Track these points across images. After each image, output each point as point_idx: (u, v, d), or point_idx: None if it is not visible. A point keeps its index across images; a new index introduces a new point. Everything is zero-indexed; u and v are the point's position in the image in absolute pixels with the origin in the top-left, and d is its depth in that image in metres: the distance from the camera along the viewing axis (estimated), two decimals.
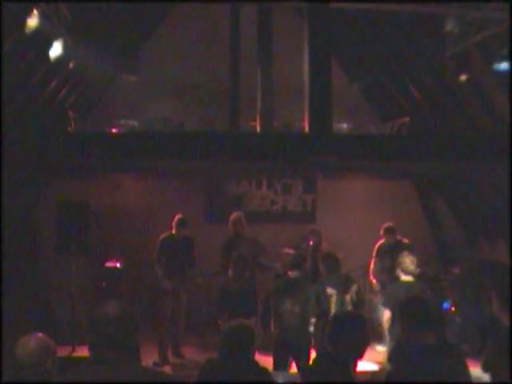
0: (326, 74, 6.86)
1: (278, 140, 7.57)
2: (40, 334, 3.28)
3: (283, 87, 9.25)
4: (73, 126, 9.07)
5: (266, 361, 5.58)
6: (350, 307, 6.40)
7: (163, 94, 10.02)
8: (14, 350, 3.17)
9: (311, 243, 9.16)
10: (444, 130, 9.64)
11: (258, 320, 6.55)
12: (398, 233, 8.69)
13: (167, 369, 7.59)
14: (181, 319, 8.14)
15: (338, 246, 8.03)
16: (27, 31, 6.16)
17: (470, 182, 10.21)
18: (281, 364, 6.04)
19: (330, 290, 6.42)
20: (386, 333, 6.59)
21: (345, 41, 10.49)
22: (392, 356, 4.65)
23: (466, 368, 3.91)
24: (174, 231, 8.09)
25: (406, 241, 8.61)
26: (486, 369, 4.09)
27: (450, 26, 7.25)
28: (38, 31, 6.27)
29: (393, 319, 6.05)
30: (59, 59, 7.09)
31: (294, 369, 6.12)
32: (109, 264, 9.37)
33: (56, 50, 6.89)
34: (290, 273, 6.45)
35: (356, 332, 3.71)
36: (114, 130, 9.12)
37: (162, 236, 8.13)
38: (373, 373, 4.52)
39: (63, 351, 6.89)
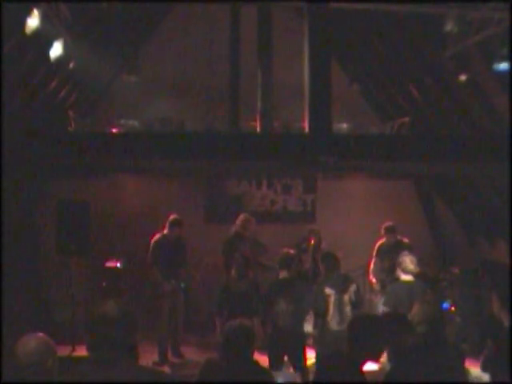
0: (326, 74, 6.86)
1: (278, 140, 7.57)
2: (40, 334, 3.28)
3: (283, 87, 9.25)
4: (73, 125, 9.07)
5: (263, 360, 5.60)
6: (348, 307, 6.40)
7: (163, 94, 10.02)
8: (15, 349, 3.17)
9: (311, 243, 9.16)
10: (444, 130, 9.64)
11: (259, 320, 6.54)
12: (398, 233, 8.69)
13: (167, 368, 7.60)
14: (179, 319, 8.14)
15: (337, 246, 8.03)
16: (27, 31, 6.16)
17: (469, 182, 10.22)
18: (276, 363, 6.04)
19: (328, 290, 6.42)
20: None
21: (345, 41, 10.49)
22: (391, 356, 4.65)
23: (464, 367, 3.92)
24: (166, 231, 8.02)
25: (405, 241, 8.62)
26: (485, 368, 4.10)
27: (449, 25, 7.25)
28: (38, 31, 6.27)
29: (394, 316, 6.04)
30: (59, 59, 7.08)
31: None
32: (109, 264, 9.37)
33: (56, 50, 6.88)
34: (280, 273, 6.42)
35: (374, 335, 3.72)
36: (114, 130, 9.12)
37: (156, 238, 8.05)
38: (373, 373, 4.51)
39: (63, 351, 6.89)
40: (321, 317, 6.47)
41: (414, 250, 8.26)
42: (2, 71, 6.37)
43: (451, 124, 9.39)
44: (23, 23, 6.11)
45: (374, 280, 8.78)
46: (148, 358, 7.69)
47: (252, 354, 4.00)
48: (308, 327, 7.52)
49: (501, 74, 7.23)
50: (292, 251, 9.05)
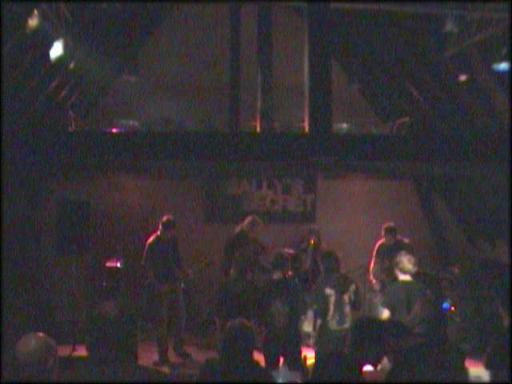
0: (326, 74, 6.86)
1: (278, 140, 7.56)
2: (41, 334, 3.29)
3: (283, 87, 9.26)
4: (73, 125, 9.08)
5: (259, 360, 5.61)
6: (348, 307, 6.40)
7: (163, 94, 10.02)
8: (15, 349, 3.17)
9: (311, 243, 9.17)
10: (444, 130, 9.65)
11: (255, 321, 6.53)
12: (398, 233, 8.70)
13: (166, 368, 7.60)
14: (181, 319, 8.13)
15: (337, 246, 8.03)
16: (28, 31, 6.16)
17: (469, 182, 10.22)
18: (272, 364, 6.04)
19: (328, 290, 6.42)
20: None
21: (345, 41, 10.50)
22: (392, 356, 4.65)
23: (465, 367, 3.92)
24: (159, 233, 7.97)
25: (406, 241, 8.62)
26: (489, 366, 4.09)
27: (449, 26, 7.26)
28: (38, 31, 6.28)
29: (392, 319, 6.05)
30: (59, 59, 7.09)
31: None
32: (109, 264, 9.37)
33: (56, 50, 6.89)
34: (274, 274, 6.39)
35: (377, 341, 3.72)
36: (114, 130, 9.13)
37: (150, 241, 7.98)
38: (373, 373, 4.52)
39: (64, 351, 6.88)
40: (320, 317, 6.46)
41: (414, 250, 8.28)
42: (2, 71, 6.38)
43: (451, 124, 9.39)
44: (23, 23, 6.11)
45: (373, 280, 8.78)
46: (148, 358, 7.69)
47: (252, 354, 4.00)
48: (307, 327, 7.53)
49: (501, 74, 7.23)
50: (291, 251, 9.09)
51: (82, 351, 7.16)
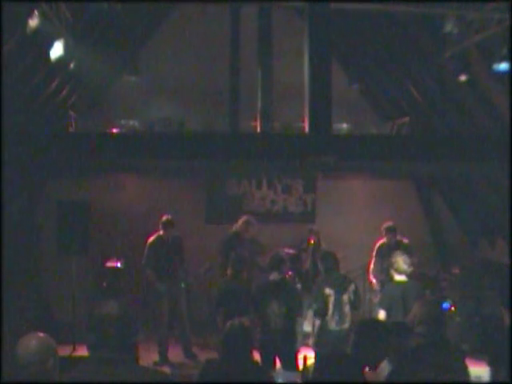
0: (326, 74, 6.86)
1: (278, 140, 7.57)
2: (41, 334, 3.29)
3: (283, 87, 9.26)
4: (73, 126, 9.08)
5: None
6: (347, 307, 6.40)
7: (163, 94, 10.03)
8: (16, 349, 3.17)
9: (311, 243, 9.18)
10: (444, 130, 9.65)
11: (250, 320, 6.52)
12: (398, 233, 8.70)
13: (167, 368, 7.60)
14: (184, 320, 8.14)
15: (337, 246, 8.03)
16: (28, 32, 6.16)
17: (469, 182, 10.22)
18: (267, 364, 6.04)
19: (328, 290, 6.42)
20: None
21: (345, 41, 10.50)
22: (393, 356, 4.65)
23: (465, 366, 3.92)
24: (161, 232, 8.01)
25: (405, 241, 8.62)
26: (491, 363, 4.10)
27: (449, 26, 7.26)
28: (38, 32, 6.28)
29: (388, 319, 6.05)
30: (60, 59, 7.09)
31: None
32: (109, 264, 9.38)
33: (57, 50, 6.89)
34: (270, 275, 6.38)
35: (379, 342, 3.72)
36: (114, 130, 9.14)
37: (151, 240, 8.01)
38: (372, 373, 4.53)
39: (64, 351, 6.89)
40: (320, 317, 6.46)
41: (414, 250, 8.29)
42: (2, 71, 6.38)
43: (451, 124, 9.40)
44: (24, 23, 6.11)
45: (373, 280, 8.78)
46: (148, 357, 7.70)
47: (251, 353, 4.00)
48: (307, 327, 7.53)
49: (501, 74, 7.23)
50: (292, 251, 9.10)
51: (82, 351, 7.17)
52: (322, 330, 6.45)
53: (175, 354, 8.16)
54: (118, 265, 9.33)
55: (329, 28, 6.92)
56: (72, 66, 7.92)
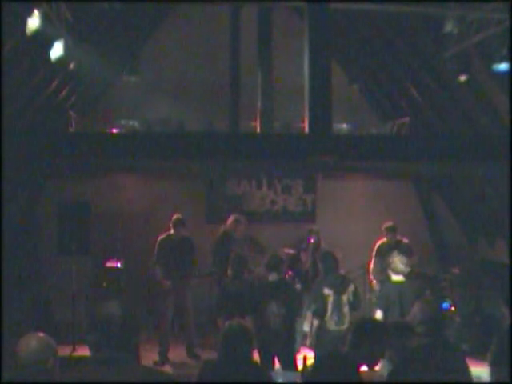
0: (326, 74, 6.87)
1: (278, 140, 7.57)
2: (41, 334, 3.29)
3: (283, 87, 9.26)
4: (73, 126, 9.08)
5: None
6: (346, 308, 6.40)
7: (163, 94, 10.03)
8: (16, 349, 3.18)
9: (311, 242, 9.18)
10: (444, 130, 9.65)
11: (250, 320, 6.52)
12: (398, 233, 8.70)
13: (167, 368, 7.61)
14: (190, 320, 8.15)
15: (337, 246, 8.03)
16: (28, 32, 6.16)
17: (469, 182, 10.22)
18: (266, 364, 6.05)
19: (327, 291, 6.42)
20: None
21: (345, 41, 10.50)
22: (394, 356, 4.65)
23: (467, 366, 3.92)
24: (172, 231, 8.10)
25: (405, 241, 8.63)
26: (492, 363, 4.10)
27: (449, 26, 7.25)
28: (38, 32, 6.27)
29: (384, 319, 6.05)
30: (60, 60, 7.09)
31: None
32: (109, 264, 9.38)
33: (57, 50, 6.89)
34: (269, 276, 6.38)
35: (375, 342, 3.72)
36: (114, 130, 9.13)
37: (160, 237, 8.15)
38: (372, 373, 4.52)
39: (64, 351, 6.89)
40: (319, 317, 6.46)
41: (413, 250, 8.29)
42: (2, 71, 6.38)
43: (451, 124, 9.40)
44: (24, 23, 6.11)
45: (373, 280, 8.78)
46: (149, 357, 7.69)
47: (250, 354, 3.99)
48: (306, 327, 7.53)
49: (501, 74, 7.23)
50: (291, 251, 9.10)
51: (82, 351, 7.17)
52: (321, 331, 6.45)
53: (176, 354, 8.16)
54: (118, 265, 9.34)
55: (329, 28, 6.92)
56: (72, 66, 7.92)
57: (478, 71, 7.87)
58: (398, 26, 8.85)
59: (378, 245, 8.79)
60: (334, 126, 7.61)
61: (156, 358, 7.86)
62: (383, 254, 8.52)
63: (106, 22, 8.65)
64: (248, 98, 8.67)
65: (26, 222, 9.85)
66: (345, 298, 6.42)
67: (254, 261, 8.19)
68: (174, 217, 8.12)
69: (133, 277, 9.40)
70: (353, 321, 6.16)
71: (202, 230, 9.65)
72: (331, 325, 6.39)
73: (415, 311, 4.28)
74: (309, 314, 6.90)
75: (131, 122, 9.47)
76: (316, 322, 6.49)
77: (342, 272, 6.88)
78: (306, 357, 5.68)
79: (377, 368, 4.60)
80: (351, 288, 6.49)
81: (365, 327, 3.86)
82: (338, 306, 6.37)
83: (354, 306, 6.45)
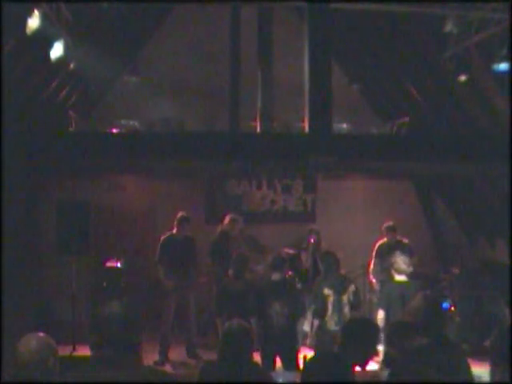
0: (326, 74, 6.87)
1: (278, 140, 7.57)
2: (41, 334, 3.29)
3: (283, 87, 9.26)
4: (73, 126, 9.08)
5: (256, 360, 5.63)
6: (347, 308, 6.40)
7: (163, 94, 10.02)
8: (16, 349, 3.18)
9: (311, 242, 9.18)
10: (444, 130, 9.65)
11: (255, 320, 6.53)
12: (398, 233, 8.70)
13: (167, 368, 7.61)
14: (191, 319, 8.16)
15: (337, 246, 8.03)
16: (28, 32, 6.16)
17: (469, 182, 10.22)
18: (268, 364, 6.05)
19: (327, 291, 6.42)
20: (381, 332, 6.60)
21: (345, 41, 10.49)
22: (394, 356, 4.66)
23: (468, 366, 3.92)
24: (174, 231, 8.11)
25: (405, 241, 8.63)
26: (492, 363, 4.10)
27: (449, 26, 7.26)
28: (38, 32, 6.27)
29: (386, 319, 6.06)
30: (60, 60, 7.09)
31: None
32: (109, 264, 9.37)
33: (57, 50, 6.89)
34: (273, 275, 6.38)
35: (367, 340, 3.72)
36: (114, 130, 9.13)
37: (163, 237, 8.18)
38: (373, 373, 4.53)
39: (64, 350, 6.89)
40: (319, 317, 6.46)
41: (413, 250, 8.29)
42: (2, 71, 6.38)
43: (451, 124, 9.39)
44: (24, 23, 6.11)
45: (373, 280, 8.79)
46: (149, 357, 7.69)
47: (250, 354, 3.99)
48: (306, 327, 7.54)
49: (501, 74, 7.23)
50: (291, 251, 9.09)
51: (82, 351, 7.17)
52: (321, 331, 6.46)
53: (176, 354, 8.16)
54: (118, 265, 9.33)
55: (329, 28, 6.93)
56: (72, 66, 7.92)
57: (478, 71, 7.87)
58: (398, 26, 8.85)
59: (378, 245, 8.79)
60: (334, 125, 7.61)
61: (156, 357, 7.86)
62: (383, 254, 8.54)
63: (106, 22, 8.64)
64: (248, 98, 8.66)
65: (25, 221, 9.83)
66: (345, 298, 6.42)
67: (254, 260, 8.21)
68: (179, 214, 8.16)
69: (133, 277, 9.40)
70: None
71: (202, 230, 9.65)
72: (331, 325, 6.39)
73: (416, 303, 4.28)
74: (309, 314, 6.91)
75: (131, 122, 9.47)
76: (316, 322, 6.50)
77: (342, 272, 6.88)
78: (305, 357, 5.68)
79: (377, 368, 4.60)
80: (351, 288, 6.49)
81: (354, 327, 3.86)
82: (338, 306, 6.38)
83: (354, 306, 6.46)
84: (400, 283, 6.29)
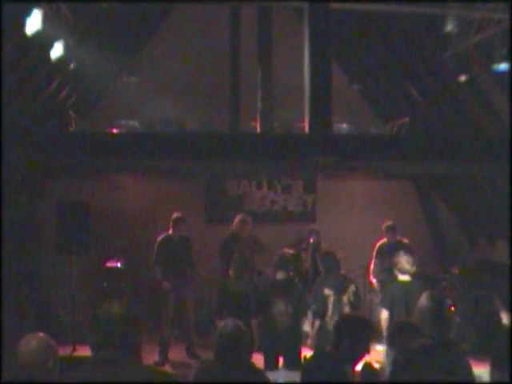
0: (326, 74, 6.87)
1: (278, 140, 7.57)
2: (41, 334, 3.29)
3: (283, 87, 9.26)
4: (73, 126, 9.08)
5: (258, 360, 5.66)
6: (347, 308, 6.40)
7: (163, 94, 10.02)
8: (16, 349, 3.17)
9: (311, 242, 9.18)
10: (444, 130, 9.65)
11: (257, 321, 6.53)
12: (398, 233, 8.70)
13: (167, 368, 7.61)
14: (189, 319, 8.16)
15: (337, 246, 8.04)
16: (28, 32, 6.16)
17: (469, 182, 10.22)
18: (271, 363, 6.05)
19: (327, 291, 6.41)
20: (384, 332, 6.60)
21: (345, 41, 10.50)
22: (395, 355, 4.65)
23: (469, 366, 3.92)
24: (170, 231, 8.12)
25: (405, 241, 8.63)
26: (492, 363, 4.10)
27: (450, 26, 7.25)
28: (38, 32, 6.27)
29: (390, 318, 6.06)
30: (60, 60, 7.09)
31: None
32: (109, 264, 9.38)
33: (57, 50, 6.89)
34: (277, 274, 6.39)
35: (359, 337, 3.72)
36: (114, 130, 9.13)
37: (160, 238, 8.18)
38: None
39: (64, 351, 6.89)
40: (320, 317, 6.46)
41: (414, 250, 8.28)
42: (2, 71, 6.38)
43: (451, 124, 9.39)
44: (24, 24, 6.11)
45: (374, 280, 8.79)
46: (149, 357, 7.69)
47: (246, 355, 3.97)
48: (306, 327, 7.53)
49: (501, 74, 7.23)
50: (291, 251, 9.09)
51: (82, 351, 7.17)
52: (322, 331, 6.45)
53: (176, 354, 8.16)
54: (118, 265, 9.34)
55: (329, 28, 6.92)
56: (72, 66, 7.92)
57: (478, 71, 7.86)
58: (398, 26, 8.85)
59: (378, 245, 8.80)
60: (334, 125, 7.60)
61: (156, 357, 7.86)
62: (383, 253, 8.54)
63: (106, 23, 8.64)
64: (248, 97, 8.66)
65: (25, 221, 9.84)
66: (345, 298, 6.42)
67: (260, 262, 8.21)
68: (174, 215, 8.15)
69: (132, 277, 9.40)
70: None
71: (202, 230, 9.65)
72: (331, 325, 6.38)
73: (423, 302, 4.28)
74: (309, 314, 6.91)
75: (131, 122, 9.47)
76: (317, 323, 6.49)
77: (342, 272, 6.88)
78: (306, 357, 5.68)
79: (378, 367, 4.59)
80: (352, 288, 6.49)
81: (344, 325, 3.85)
82: (338, 306, 6.37)
83: (354, 306, 6.45)
84: (403, 283, 6.29)
